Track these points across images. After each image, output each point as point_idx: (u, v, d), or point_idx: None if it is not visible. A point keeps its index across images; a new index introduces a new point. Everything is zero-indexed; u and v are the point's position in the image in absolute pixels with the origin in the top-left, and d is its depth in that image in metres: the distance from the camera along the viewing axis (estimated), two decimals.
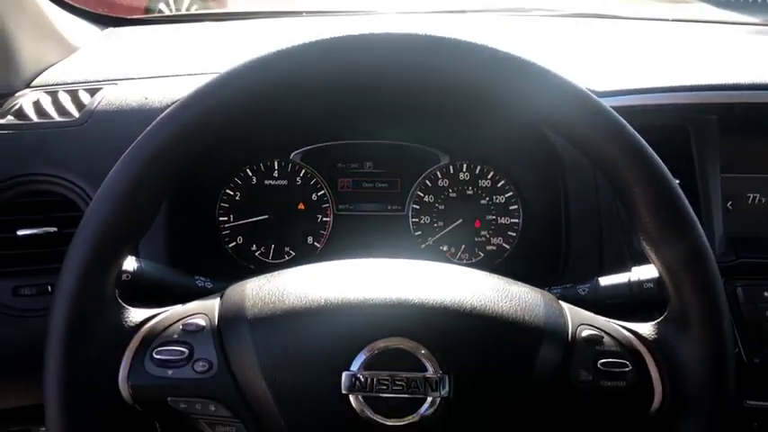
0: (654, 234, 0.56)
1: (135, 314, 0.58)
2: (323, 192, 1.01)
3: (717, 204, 0.86)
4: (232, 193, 0.99)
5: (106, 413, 0.56)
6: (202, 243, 0.97)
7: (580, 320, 0.59)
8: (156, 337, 0.57)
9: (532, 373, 0.55)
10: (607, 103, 0.87)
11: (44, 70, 0.97)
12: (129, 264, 0.66)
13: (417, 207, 1.02)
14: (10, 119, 0.86)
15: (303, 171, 1.00)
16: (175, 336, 0.57)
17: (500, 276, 0.63)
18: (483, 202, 1.02)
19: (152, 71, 0.96)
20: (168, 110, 0.56)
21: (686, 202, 0.57)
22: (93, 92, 0.89)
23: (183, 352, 0.56)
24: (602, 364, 0.56)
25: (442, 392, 0.54)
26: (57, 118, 0.86)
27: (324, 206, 1.01)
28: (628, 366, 0.57)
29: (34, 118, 0.86)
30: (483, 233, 1.02)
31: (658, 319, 0.59)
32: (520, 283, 0.62)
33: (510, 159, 1.01)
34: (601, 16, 1.37)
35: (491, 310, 0.57)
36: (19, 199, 0.83)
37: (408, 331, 0.55)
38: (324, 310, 0.56)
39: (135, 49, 1.13)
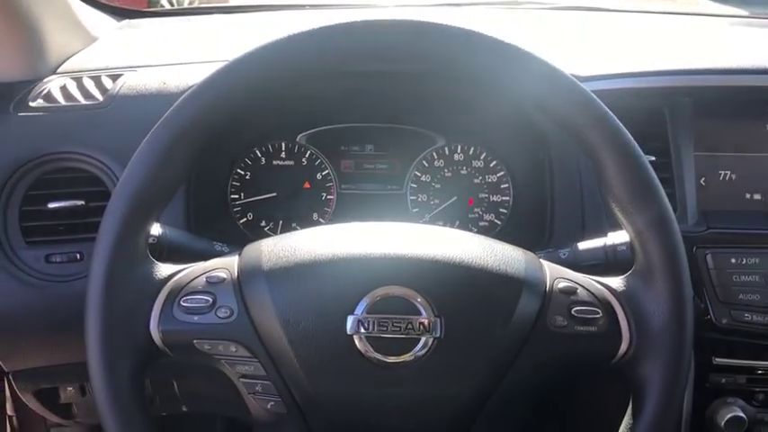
0: (624, 201, 0.64)
1: (164, 269, 0.66)
2: (327, 172, 1.08)
3: (690, 180, 0.94)
4: (243, 172, 1.06)
5: (141, 354, 0.63)
6: (217, 218, 1.04)
7: (557, 274, 0.67)
8: (183, 288, 0.65)
9: (513, 317, 0.63)
10: (590, 87, 0.96)
11: (69, 58, 1.04)
12: (155, 229, 0.73)
13: (415, 186, 1.09)
14: (40, 102, 0.93)
15: (309, 152, 1.07)
16: (200, 287, 0.64)
17: (487, 237, 0.70)
18: (476, 181, 1.09)
19: (168, 59, 1.03)
20: (191, 89, 0.63)
21: (652, 172, 0.64)
22: (114, 78, 0.97)
23: (207, 300, 0.64)
24: (576, 311, 0.64)
25: (435, 334, 0.62)
26: (82, 101, 0.93)
27: (328, 185, 1.08)
28: (599, 314, 0.64)
29: (62, 101, 0.93)
30: (476, 210, 1.09)
31: (626, 274, 0.66)
32: (505, 243, 0.70)
33: (501, 140, 1.08)
34: (591, 9, 1.44)
35: (478, 263, 0.64)
36: (49, 175, 0.91)
37: (406, 280, 0.63)
38: (331, 262, 0.64)
39: (151, 39, 1.21)
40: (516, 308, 0.63)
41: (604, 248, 0.76)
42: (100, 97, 0.94)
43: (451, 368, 0.63)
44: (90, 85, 0.96)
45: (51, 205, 0.89)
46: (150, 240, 0.72)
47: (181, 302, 0.64)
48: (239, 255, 0.68)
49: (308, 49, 0.63)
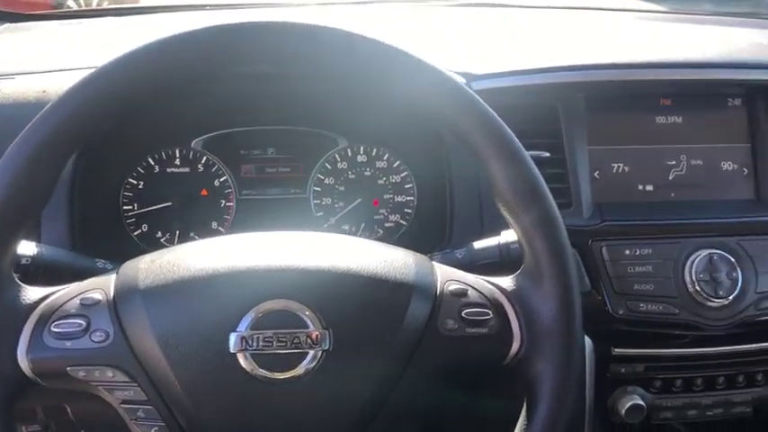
0: (509, 200, 0.64)
1: (32, 292, 0.61)
2: (225, 178, 1.05)
3: (585, 174, 0.95)
4: (135, 181, 1.02)
5: (8, 386, 0.59)
6: (110, 232, 0.99)
7: (448, 277, 0.66)
8: (55, 311, 0.61)
9: (403, 324, 0.62)
10: (482, 85, 0.96)
11: None
12: (29, 248, 0.69)
13: (318, 189, 1.07)
14: None
15: (204, 158, 1.03)
16: (73, 310, 0.61)
17: (378, 242, 0.69)
18: (380, 182, 1.08)
19: (50, 65, 0.98)
20: (55, 99, 0.59)
21: (536, 171, 0.64)
22: None
23: (80, 324, 0.60)
24: (467, 313, 0.64)
25: (324, 347, 0.60)
26: None
27: (227, 192, 1.05)
28: (490, 315, 0.64)
29: None
30: (381, 211, 1.08)
31: (516, 273, 0.66)
32: (395, 248, 0.69)
33: (402, 140, 1.07)
34: (492, 5, 1.46)
35: (366, 271, 0.63)
36: None
37: (292, 293, 0.61)
38: (212, 277, 0.61)
39: (33, 44, 1.14)
40: (406, 314, 0.62)
41: (498, 247, 0.76)
42: None
43: (342, 380, 0.61)
44: None
45: None
46: (23, 261, 0.67)
47: (52, 328, 0.60)
48: (116, 273, 0.64)
49: (181, 53, 0.60)
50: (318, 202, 1.07)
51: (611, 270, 0.89)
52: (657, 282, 0.89)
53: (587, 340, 0.90)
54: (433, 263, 0.69)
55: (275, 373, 0.60)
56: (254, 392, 0.60)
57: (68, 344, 0.60)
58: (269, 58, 0.61)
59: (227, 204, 1.05)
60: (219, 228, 1.05)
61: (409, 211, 1.08)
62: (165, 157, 1.03)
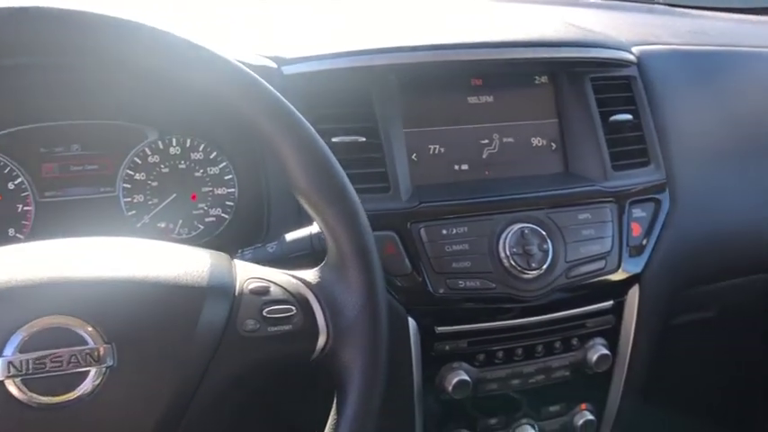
0: (309, 194, 0.62)
1: None
2: (21, 180, 0.95)
3: (402, 157, 0.95)
4: None
5: None
6: None
7: (249, 275, 0.63)
8: None
9: (197, 329, 0.58)
10: (293, 69, 0.93)
11: None
12: None
13: (128, 186, 1.00)
14: None
15: None
16: None
17: (174, 244, 0.65)
18: (198, 174, 1.03)
19: None
20: None
21: (335, 163, 0.63)
22: None
23: None
24: (268, 311, 0.61)
25: (107, 363, 0.55)
26: None
27: (23, 194, 0.95)
28: (293, 311, 0.61)
29: None
30: (201, 206, 1.03)
31: (320, 266, 0.64)
32: (190, 248, 0.64)
33: (217, 130, 1.02)
34: None
35: (152, 277, 0.58)
36: None
37: (66, 307, 0.55)
38: None
39: None
40: (200, 318, 0.58)
41: (310, 237, 0.74)
42: None
43: (132, 396, 0.56)
44: None
45: None
46: None
47: None
48: None
49: None
50: (129, 200, 1.00)
51: (429, 251, 0.90)
52: (474, 258, 0.91)
53: (411, 322, 0.91)
54: (235, 261, 0.65)
55: (53, 398, 0.54)
56: (32, 421, 0.54)
57: None
58: (41, 48, 0.54)
59: (25, 209, 0.95)
60: (17, 234, 0.95)
61: (230, 203, 1.04)
62: None
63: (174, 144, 1.02)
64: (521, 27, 1.11)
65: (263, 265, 0.74)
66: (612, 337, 1.01)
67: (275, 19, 1.19)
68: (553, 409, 1.01)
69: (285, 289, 0.63)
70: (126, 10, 0.60)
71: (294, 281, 0.64)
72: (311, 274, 0.64)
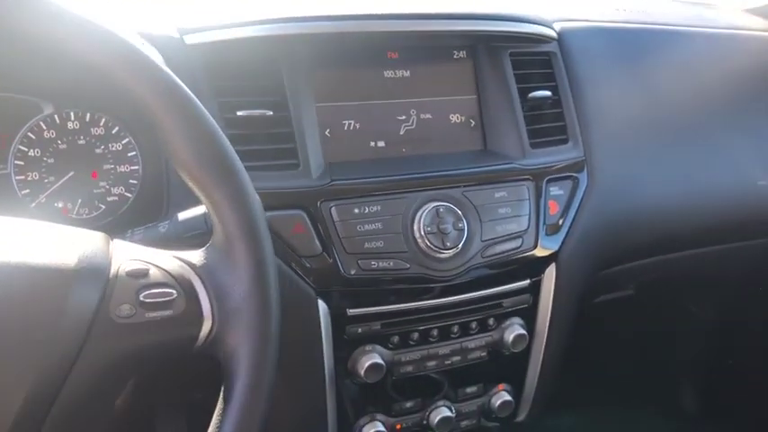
0: (194, 172, 0.57)
1: None
2: None
3: (314, 133, 0.91)
4: None
5: None
6: None
7: (128, 257, 0.58)
8: None
9: (65, 316, 0.53)
10: (196, 39, 0.88)
11: None
12: None
13: (21, 163, 0.93)
14: None
15: None
16: None
17: (44, 223, 0.59)
18: (98, 151, 0.97)
19: None
20: None
21: (222, 138, 0.58)
22: None
23: None
24: (146, 295, 0.56)
25: None
26: None
27: None
28: (174, 295, 0.57)
29: None
30: (102, 184, 0.97)
31: (206, 246, 0.60)
32: (64, 227, 0.59)
33: (120, 104, 0.96)
34: None
35: (15, 260, 0.53)
36: None
37: None
38: None
39: None
40: (67, 304, 0.53)
41: (204, 216, 0.69)
42: None
43: None
44: None
45: None
46: None
47: None
48: None
49: None
50: (23, 178, 0.93)
51: (341, 230, 0.87)
52: (387, 238, 0.88)
53: (321, 304, 0.87)
54: (115, 241, 0.61)
55: None
56: None
57: None
58: None
59: None
60: None
61: (134, 181, 0.98)
62: None
63: (73, 118, 0.96)
64: None
65: (155, 246, 0.69)
66: (529, 317, 1.00)
67: None
68: (470, 390, 1.00)
69: (166, 271, 0.58)
70: None
71: (178, 263, 0.60)
72: (197, 256, 0.60)
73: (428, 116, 0.99)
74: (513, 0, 1.13)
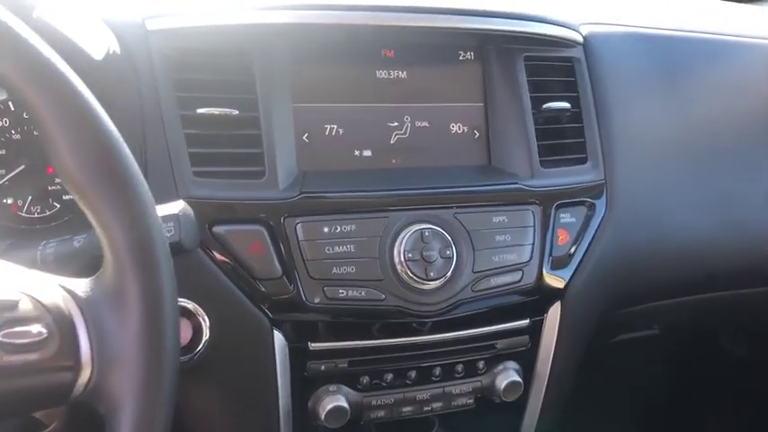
0: (81, 182, 0.46)
1: None
2: None
3: (288, 137, 0.80)
4: None
5: None
6: None
7: None
8: None
9: None
10: (160, 24, 0.77)
11: None
12: None
13: None
14: None
15: None
16: None
17: None
18: None
19: None
20: None
21: (119, 142, 0.47)
22: None
23: None
24: (7, 334, 0.45)
25: None
26: None
27: None
28: (44, 334, 0.46)
29: None
30: (58, 180, 0.87)
31: (95, 276, 0.49)
32: None
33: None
34: None
35: None
36: None
37: None
38: None
39: None
40: None
41: None
42: None
43: None
44: None
45: None
46: None
47: None
48: None
49: None
50: None
51: (306, 251, 0.75)
52: (361, 263, 0.76)
53: (278, 336, 0.76)
54: None
55: None
56: None
57: None
58: None
59: None
60: None
61: None
62: None
63: None
64: None
65: (66, 262, 0.58)
66: (527, 361, 0.87)
67: None
68: None
69: (41, 303, 0.47)
70: None
71: (61, 293, 0.49)
72: (83, 285, 0.49)
73: (424, 124, 0.87)
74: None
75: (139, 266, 0.46)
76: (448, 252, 0.78)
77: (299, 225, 0.75)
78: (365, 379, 0.80)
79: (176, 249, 0.56)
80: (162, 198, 0.75)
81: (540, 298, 0.85)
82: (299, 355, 0.77)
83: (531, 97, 0.88)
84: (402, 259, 0.77)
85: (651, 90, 0.97)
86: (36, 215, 0.88)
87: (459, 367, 0.83)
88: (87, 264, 0.58)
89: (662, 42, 1.01)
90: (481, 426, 0.87)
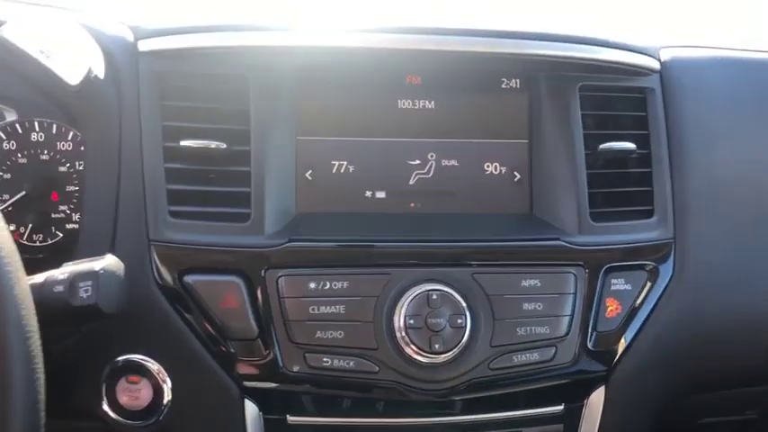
0: None
1: None
2: None
3: (287, 173, 0.72)
4: None
5: None
6: None
7: None
8: None
9: None
10: (151, 45, 0.70)
11: None
12: None
13: None
14: None
15: None
16: None
17: None
18: (63, 169, 0.83)
19: None
20: None
21: None
22: None
23: None
24: None
25: None
26: None
27: None
28: None
29: None
30: (62, 208, 0.83)
31: None
32: None
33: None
34: None
35: None
36: None
37: None
38: None
39: None
40: None
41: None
42: None
43: None
44: None
45: None
46: None
47: None
48: None
49: None
50: None
51: (288, 310, 0.65)
52: (351, 328, 0.66)
53: (251, 406, 0.66)
54: None
55: None
56: None
57: None
58: None
59: None
60: None
61: None
62: None
63: (37, 129, 0.82)
64: (490, 15, 0.82)
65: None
66: None
67: None
68: None
69: None
70: None
71: None
72: None
73: (452, 163, 0.75)
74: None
75: None
76: (459, 320, 0.66)
77: (281, 278, 0.66)
78: None
79: (91, 312, 0.47)
80: (127, 241, 0.69)
81: (578, 381, 0.70)
82: (276, 429, 0.66)
83: (584, 135, 0.73)
84: (401, 325, 0.65)
85: (742, 127, 0.79)
86: (38, 244, 0.83)
87: None
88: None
89: (757, 68, 0.82)
90: None
